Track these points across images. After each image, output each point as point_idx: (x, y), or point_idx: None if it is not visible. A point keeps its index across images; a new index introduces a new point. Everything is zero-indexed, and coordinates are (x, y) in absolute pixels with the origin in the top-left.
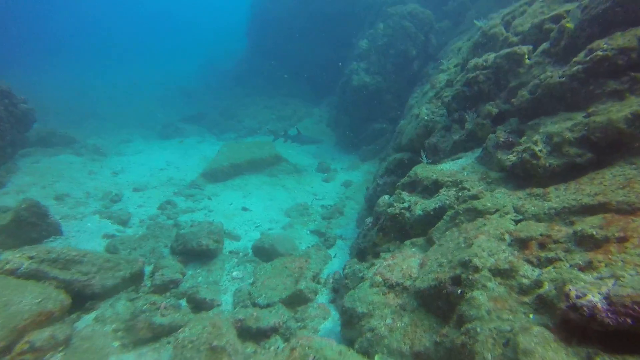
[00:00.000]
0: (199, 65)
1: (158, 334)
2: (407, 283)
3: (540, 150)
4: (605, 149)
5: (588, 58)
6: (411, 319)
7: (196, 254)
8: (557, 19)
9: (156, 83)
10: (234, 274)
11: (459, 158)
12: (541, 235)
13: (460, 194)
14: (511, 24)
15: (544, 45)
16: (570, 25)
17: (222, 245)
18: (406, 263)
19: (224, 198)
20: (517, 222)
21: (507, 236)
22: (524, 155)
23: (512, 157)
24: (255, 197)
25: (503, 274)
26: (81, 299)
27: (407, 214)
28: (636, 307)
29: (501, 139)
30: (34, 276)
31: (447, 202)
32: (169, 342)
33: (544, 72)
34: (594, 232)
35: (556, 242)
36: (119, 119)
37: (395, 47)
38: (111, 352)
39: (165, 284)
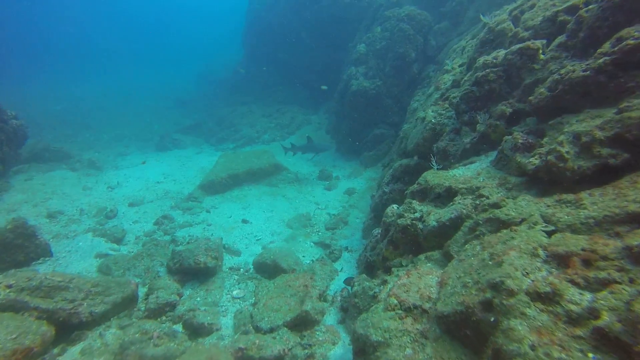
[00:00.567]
0: (196, 74)
1: None
2: (427, 305)
3: (567, 152)
4: None
5: (616, 48)
6: (435, 350)
7: (193, 272)
8: (572, 9)
9: (152, 93)
10: (235, 293)
11: (471, 162)
12: (583, 250)
13: (478, 202)
14: (520, 18)
15: (560, 39)
16: (588, 15)
17: (221, 262)
18: (423, 281)
19: (223, 210)
20: (549, 233)
21: (541, 251)
22: (549, 157)
23: (535, 160)
24: (255, 208)
25: (544, 298)
26: (67, 329)
27: (420, 225)
28: None
29: (519, 141)
30: (11, 307)
31: (464, 211)
32: None
33: (562, 67)
34: None
35: (604, 258)
36: (115, 131)
37: (393, 50)
38: None
39: (161, 307)
